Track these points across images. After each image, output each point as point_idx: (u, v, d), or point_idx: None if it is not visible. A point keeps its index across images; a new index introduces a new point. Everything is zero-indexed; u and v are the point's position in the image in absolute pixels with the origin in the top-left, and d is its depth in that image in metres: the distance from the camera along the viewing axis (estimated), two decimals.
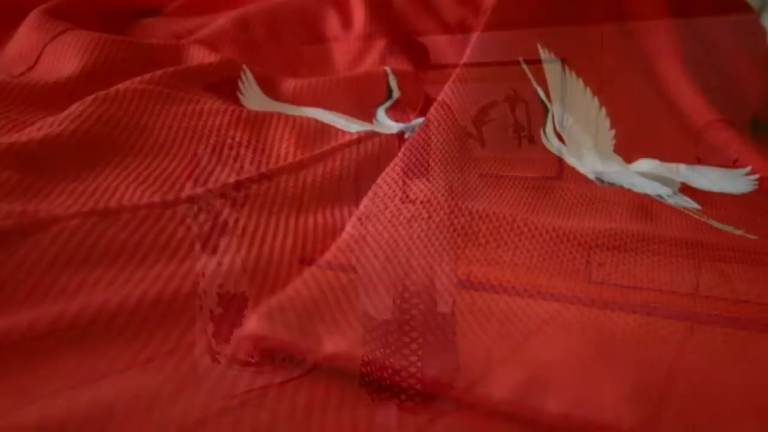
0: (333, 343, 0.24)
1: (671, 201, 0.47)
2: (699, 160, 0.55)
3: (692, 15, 0.64)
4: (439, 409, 0.23)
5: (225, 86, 0.50)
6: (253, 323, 0.24)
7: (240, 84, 0.51)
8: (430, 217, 0.36)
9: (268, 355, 0.24)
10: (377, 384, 0.24)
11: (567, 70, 0.57)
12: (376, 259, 0.31)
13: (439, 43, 0.62)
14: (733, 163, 0.55)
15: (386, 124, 0.53)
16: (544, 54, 0.56)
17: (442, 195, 0.38)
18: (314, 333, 0.25)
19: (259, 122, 0.44)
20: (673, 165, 0.53)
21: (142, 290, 0.26)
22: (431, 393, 0.24)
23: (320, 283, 0.28)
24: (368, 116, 0.54)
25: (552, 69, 0.56)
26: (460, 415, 0.23)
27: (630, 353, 0.28)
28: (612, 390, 0.24)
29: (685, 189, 0.50)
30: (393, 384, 0.24)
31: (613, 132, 0.55)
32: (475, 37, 0.53)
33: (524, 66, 0.54)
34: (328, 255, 0.31)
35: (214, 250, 0.31)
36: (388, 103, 0.55)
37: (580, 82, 0.57)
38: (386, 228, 0.34)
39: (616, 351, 0.28)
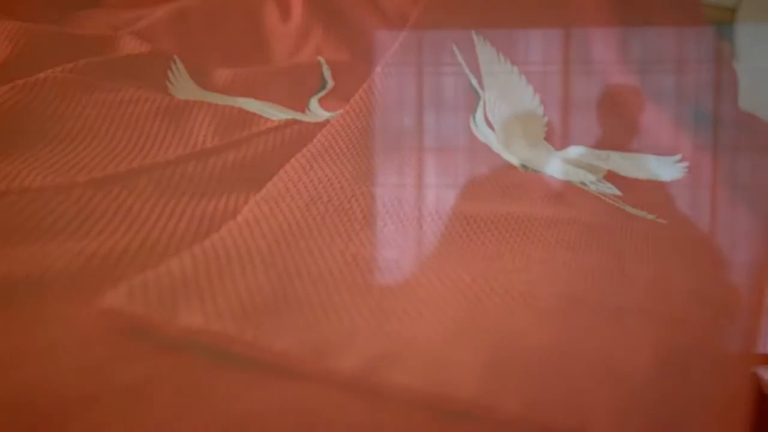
0: (189, 317, 0.25)
1: (593, 188, 0.47)
2: (633, 148, 0.56)
3: (632, 3, 0.64)
4: (286, 381, 0.24)
5: (154, 76, 0.50)
6: (109, 298, 0.25)
7: (169, 74, 0.51)
8: (329, 200, 0.36)
9: (125, 330, 0.25)
10: (231, 357, 0.24)
11: (502, 57, 0.57)
12: (263, 239, 0.32)
13: (377, 35, 0.62)
14: (666, 151, 0.55)
15: (318, 113, 0.53)
16: (478, 41, 0.56)
17: (347, 179, 0.38)
18: (173, 308, 0.25)
19: (179, 111, 0.44)
20: (604, 152, 0.53)
21: (7, 268, 0.26)
22: (280, 365, 0.24)
23: (196, 262, 0.28)
24: (302, 106, 0.55)
25: (486, 56, 0.56)
26: (308, 387, 0.24)
27: (498, 329, 0.28)
28: (465, 364, 0.25)
29: (612, 176, 0.50)
30: (245, 356, 0.24)
31: (546, 119, 0.55)
32: (408, 24, 0.53)
33: (457, 53, 0.54)
34: (214, 236, 0.31)
35: (99, 233, 0.31)
36: (321, 93, 0.55)
37: (515, 69, 0.57)
38: (282, 210, 0.34)
39: (484, 327, 0.28)
